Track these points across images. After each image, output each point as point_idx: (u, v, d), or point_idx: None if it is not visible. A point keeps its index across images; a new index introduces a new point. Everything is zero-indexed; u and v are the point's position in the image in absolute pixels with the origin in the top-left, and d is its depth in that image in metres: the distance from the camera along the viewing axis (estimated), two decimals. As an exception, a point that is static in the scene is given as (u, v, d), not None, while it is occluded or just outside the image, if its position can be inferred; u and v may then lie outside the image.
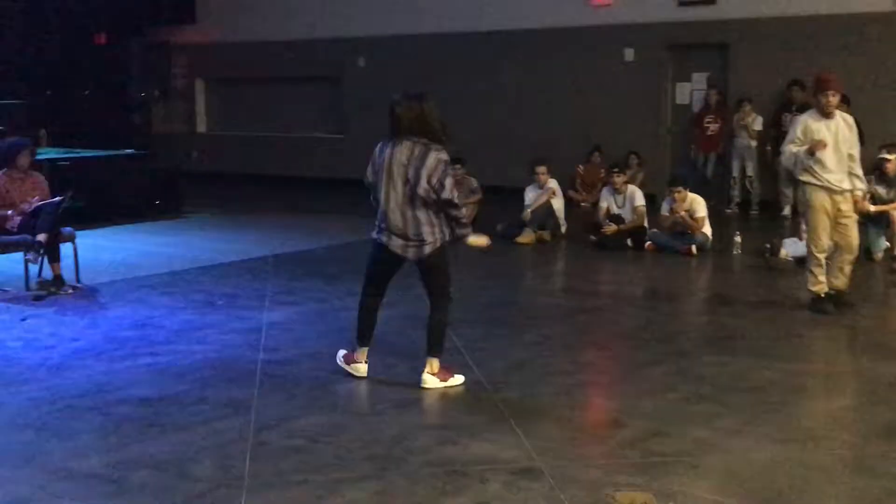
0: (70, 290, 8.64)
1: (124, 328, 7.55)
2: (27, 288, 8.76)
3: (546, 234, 11.59)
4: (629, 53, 15.00)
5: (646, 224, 11.11)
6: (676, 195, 10.69)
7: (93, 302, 8.43)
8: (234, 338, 7.25)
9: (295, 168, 18.02)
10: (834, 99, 7.73)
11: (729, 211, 13.82)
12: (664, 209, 10.90)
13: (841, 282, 7.99)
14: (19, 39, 16.00)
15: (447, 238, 5.86)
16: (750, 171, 13.93)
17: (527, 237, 11.45)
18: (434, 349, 6.00)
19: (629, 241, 10.99)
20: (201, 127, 19.94)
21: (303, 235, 12.30)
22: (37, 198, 8.90)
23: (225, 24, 18.70)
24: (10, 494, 4.48)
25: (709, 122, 14.31)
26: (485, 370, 6.30)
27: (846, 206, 7.80)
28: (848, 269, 7.97)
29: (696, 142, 14.43)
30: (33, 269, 8.88)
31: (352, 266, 10.08)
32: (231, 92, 19.60)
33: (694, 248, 10.56)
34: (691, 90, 14.97)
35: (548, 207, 11.63)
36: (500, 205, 12.26)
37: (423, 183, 5.72)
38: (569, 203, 12.94)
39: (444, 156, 5.81)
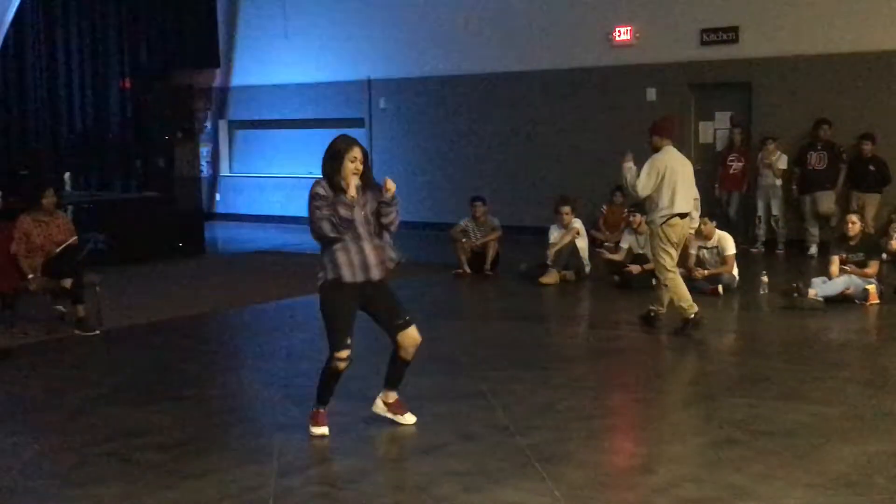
0: (96, 332, 8.61)
1: (146, 372, 7.50)
2: (49, 332, 8.75)
3: (570, 275, 11.51)
4: (651, 93, 14.96)
5: (670, 264, 10.97)
6: (702, 227, 10.58)
7: (116, 345, 8.40)
8: (255, 382, 7.19)
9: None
10: (651, 139, 8.68)
11: (754, 250, 13.69)
12: (691, 246, 10.77)
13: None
14: (44, 83, 16.16)
15: (325, 279, 5.72)
16: (775, 210, 13.79)
17: (551, 277, 11.36)
18: (316, 393, 5.90)
19: (654, 281, 10.84)
20: (224, 169, 20.03)
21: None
22: (59, 242, 8.90)
23: (247, 67, 18.84)
24: (29, 543, 4.42)
25: (732, 161, 14.21)
26: (510, 414, 6.20)
27: None
28: None
29: (720, 181, 14.34)
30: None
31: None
32: (254, 134, 19.69)
33: (720, 287, 10.43)
34: (714, 129, 14.90)
35: (572, 248, 11.55)
36: (522, 245, 12.19)
37: None
38: (592, 243, 12.85)
39: (315, 189, 5.70)
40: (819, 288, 9.81)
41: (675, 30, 14.69)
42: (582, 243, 11.69)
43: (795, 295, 9.77)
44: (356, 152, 5.65)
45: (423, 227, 16.21)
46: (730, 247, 10.59)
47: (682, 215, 8.57)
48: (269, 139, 19.44)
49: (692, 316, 8.49)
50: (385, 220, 5.74)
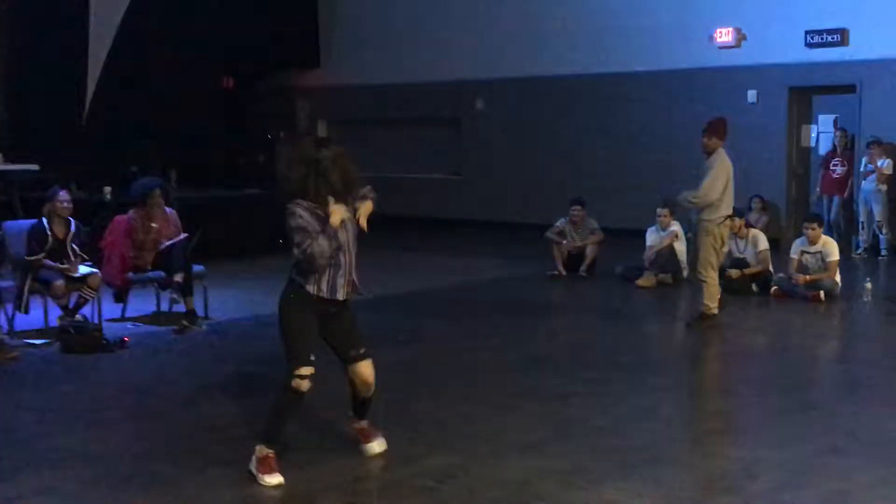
0: (203, 326, 8.89)
1: (252, 363, 7.72)
2: (158, 323, 9.07)
3: (667, 278, 11.44)
4: (752, 95, 14.78)
5: (771, 268, 10.85)
6: (810, 232, 10.43)
7: (222, 338, 8.65)
8: (358, 376, 7.32)
9: (413, 208, 18.17)
10: (706, 140, 8.94)
11: (856, 256, 13.42)
12: (794, 251, 10.63)
13: None
14: (152, 82, 16.68)
15: (294, 287, 5.13)
16: (878, 216, 13.50)
17: (647, 280, 11.31)
18: (261, 433, 5.20)
19: (754, 286, 10.75)
20: (323, 167, 20.35)
21: (423, 275, 12.40)
22: (167, 237, 9.21)
23: (347, 68, 19.12)
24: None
25: (835, 165, 13.97)
26: (607, 415, 6.23)
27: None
28: None
29: (821, 185, 14.10)
30: (163, 303, 9.20)
31: (472, 306, 10.17)
32: (352, 133, 19.95)
33: (822, 293, 10.26)
34: (817, 132, 14.65)
35: (669, 250, 11.48)
36: (618, 247, 12.16)
37: None
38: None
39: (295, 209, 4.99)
40: (926, 295, 9.59)
41: (778, 31, 14.48)
42: (680, 246, 11.60)
43: (901, 302, 9.57)
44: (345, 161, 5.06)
45: (516, 227, 16.26)
46: (833, 252, 10.40)
47: (729, 216, 9.11)
48: (365, 139, 19.67)
49: (712, 313, 8.93)
50: None
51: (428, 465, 5.34)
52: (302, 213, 5.00)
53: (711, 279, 8.92)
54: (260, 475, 5.06)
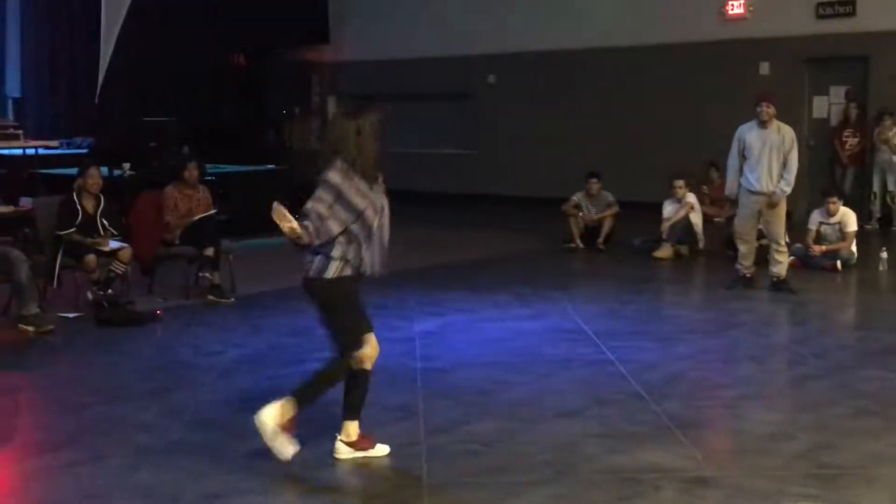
0: (231, 300, 9.02)
1: (284, 335, 7.85)
2: (187, 297, 9.19)
3: (684, 249, 11.56)
4: (765, 67, 14.85)
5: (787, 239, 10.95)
6: (831, 205, 10.55)
7: (251, 311, 8.78)
8: (390, 346, 7.35)
9: (426, 183, 18.24)
10: (766, 109, 9.07)
11: (869, 227, 13.52)
12: (812, 222, 10.75)
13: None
14: (166, 61, 16.74)
15: (340, 274, 5.04)
16: (891, 186, 13.63)
17: (665, 252, 11.43)
18: (347, 411, 5.14)
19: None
20: (333, 143, 20.39)
21: (439, 249, 12.50)
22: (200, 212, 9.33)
23: (357, 43, 19.14)
24: (202, 487, 4.77)
25: (847, 137, 14.05)
26: (642, 382, 6.36)
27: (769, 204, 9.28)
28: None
29: (834, 156, 14.19)
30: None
31: (493, 279, 10.30)
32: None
33: (839, 263, 10.40)
34: (829, 104, 14.73)
35: (686, 222, 11.59)
36: (636, 220, 12.27)
37: None
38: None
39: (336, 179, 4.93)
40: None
41: (789, 3, 14.54)
42: (696, 218, 11.72)
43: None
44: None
45: (530, 202, 16.35)
46: (851, 223, 10.54)
47: None
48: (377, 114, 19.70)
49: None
50: None
51: (472, 430, 5.48)
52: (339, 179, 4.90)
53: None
54: (371, 450, 5.07)
